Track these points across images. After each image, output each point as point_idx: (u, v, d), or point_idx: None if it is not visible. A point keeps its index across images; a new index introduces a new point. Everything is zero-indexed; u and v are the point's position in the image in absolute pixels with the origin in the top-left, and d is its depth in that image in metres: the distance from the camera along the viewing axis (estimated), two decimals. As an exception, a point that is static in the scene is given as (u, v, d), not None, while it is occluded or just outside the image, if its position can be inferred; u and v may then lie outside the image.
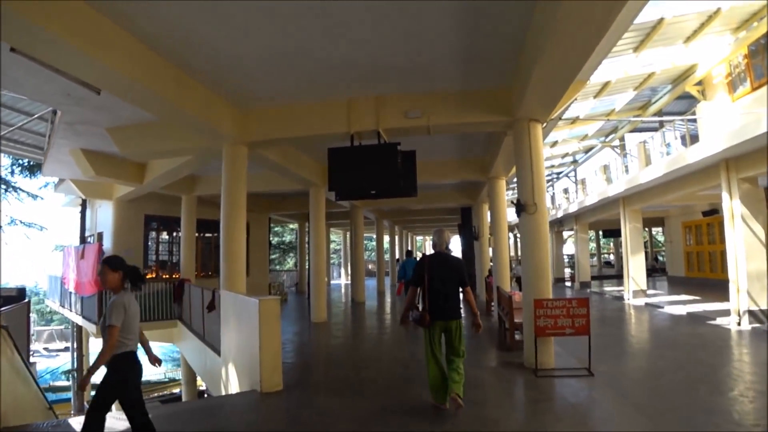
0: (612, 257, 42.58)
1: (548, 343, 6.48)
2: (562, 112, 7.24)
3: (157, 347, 19.88)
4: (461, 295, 4.89)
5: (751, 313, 9.84)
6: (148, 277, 14.90)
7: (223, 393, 7.29)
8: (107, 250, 14.07)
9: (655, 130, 15.25)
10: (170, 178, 10.98)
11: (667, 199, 14.02)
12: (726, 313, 11.22)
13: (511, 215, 12.54)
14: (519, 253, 34.00)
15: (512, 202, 7.00)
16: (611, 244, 46.13)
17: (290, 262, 39.70)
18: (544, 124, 7.01)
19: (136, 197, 13.58)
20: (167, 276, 15.12)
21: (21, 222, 20.81)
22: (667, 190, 13.23)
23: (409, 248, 18.33)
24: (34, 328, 29.15)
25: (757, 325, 9.73)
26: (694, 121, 11.63)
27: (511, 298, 8.10)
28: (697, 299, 14.88)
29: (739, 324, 9.92)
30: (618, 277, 28.75)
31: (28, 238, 23.73)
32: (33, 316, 29.44)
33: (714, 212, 18.41)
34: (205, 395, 14.36)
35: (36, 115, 8.65)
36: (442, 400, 4.80)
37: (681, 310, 12.86)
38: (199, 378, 13.11)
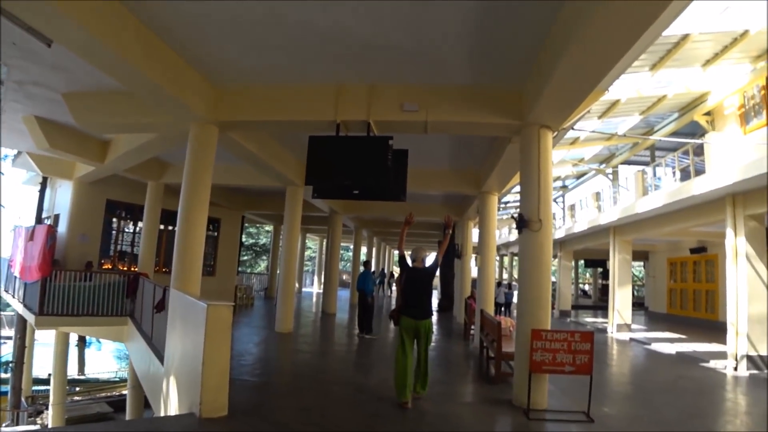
0: (587, 287, 42.34)
1: (543, 381, 5.63)
2: (574, 122, 6.49)
3: (111, 345, 18.52)
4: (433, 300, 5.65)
5: (749, 358, 9.18)
6: (104, 267, 13.75)
7: (162, 409, 6.25)
8: (61, 234, 12.90)
9: (646, 164, 14.81)
10: (134, 159, 9.93)
11: (663, 232, 13.46)
12: (719, 355, 10.62)
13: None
14: (503, 275, 33.70)
15: (513, 218, 6.18)
16: (587, 274, 46.07)
17: (262, 266, 38.41)
18: (555, 133, 6.25)
19: (98, 179, 12.46)
20: (125, 268, 13.91)
21: (-24, 197, 19.31)
22: (664, 223, 12.65)
23: (369, 260, 17.36)
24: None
25: (755, 371, 9.07)
26: (698, 154, 11.08)
27: (499, 324, 7.24)
28: (683, 338, 14.31)
29: (735, 369, 9.25)
30: (595, 308, 28.36)
31: (-18, 215, 22.05)
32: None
33: (702, 250, 18.04)
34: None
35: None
36: (405, 397, 5.36)
37: (669, 348, 12.21)
38: (145, 384, 11.94)
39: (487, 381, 7.05)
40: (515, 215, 5.98)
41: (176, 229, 6.76)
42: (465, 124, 6.26)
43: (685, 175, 11.52)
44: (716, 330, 16.11)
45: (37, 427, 13.57)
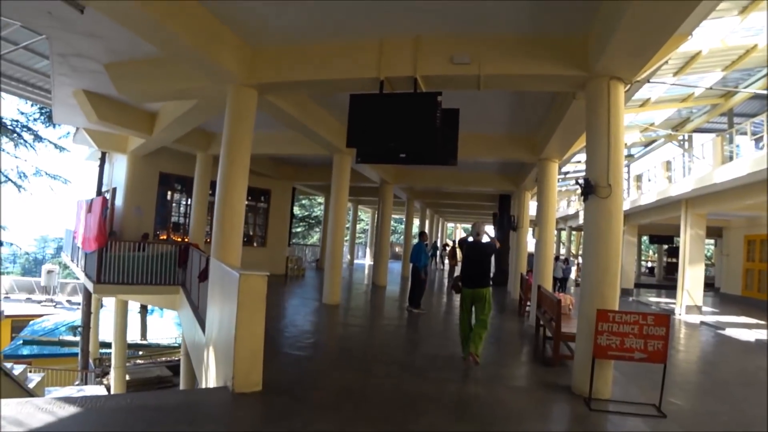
0: (649, 264, 40.06)
1: (607, 368, 5.01)
2: (650, 73, 5.63)
3: (172, 312, 19.14)
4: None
5: None
6: (161, 238, 14.10)
7: (203, 379, 6.16)
8: (118, 207, 13.28)
9: (723, 131, 13.26)
10: (180, 129, 9.87)
11: (744, 205, 12.07)
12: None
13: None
14: (560, 250, 32.36)
15: (577, 182, 5.50)
16: (650, 251, 43.51)
17: (315, 237, 38.87)
18: (628, 87, 5.44)
19: (150, 152, 12.66)
20: (180, 239, 14.20)
21: (46, 173, 20.41)
22: (747, 195, 11.29)
23: (424, 230, 16.69)
24: (58, 280, 29.35)
25: None
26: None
27: (559, 302, 6.61)
28: (761, 323, 12.97)
29: (830, 363, 8.14)
30: (659, 287, 26.65)
31: (51, 190, 23.49)
32: (57, 267, 29.62)
33: (788, 226, 16.27)
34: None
35: (22, 44, 7.60)
36: (466, 354, 6.06)
37: (746, 335, 11.04)
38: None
39: (544, 363, 6.49)
40: (580, 180, 5.29)
41: (216, 197, 6.54)
42: (523, 78, 5.56)
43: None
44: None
45: (102, 387, 14.28)
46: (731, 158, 11.67)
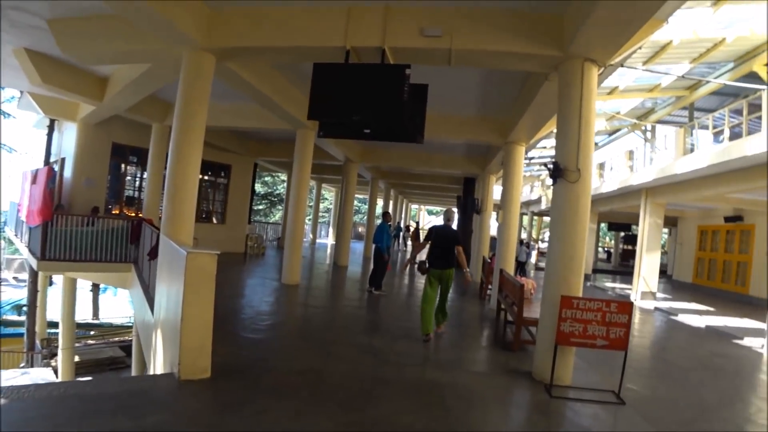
0: (606, 250, 41.37)
1: (569, 354, 4.97)
2: (625, 58, 5.52)
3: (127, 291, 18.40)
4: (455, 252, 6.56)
5: (793, 339, 8.38)
6: (113, 213, 13.38)
7: (151, 364, 5.82)
8: (67, 179, 12.49)
9: (682, 125, 13.54)
10: (133, 96, 9.22)
11: (702, 197, 12.39)
12: (754, 332, 9.85)
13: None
14: (521, 234, 32.93)
15: (545, 165, 5.37)
16: (607, 238, 44.93)
17: (277, 215, 38.22)
18: (602, 70, 5.31)
19: (103, 121, 11.90)
20: (134, 214, 13.51)
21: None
22: (706, 186, 11.57)
23: (387, 210, 16.44)
24: (4, 256, 27.81)
25: (798, 353, 8.28)
26: (752, 112, 9.86)
27: (522, 287, 6.55)
28: (711, 310, 13.48)
29: (774, 349, 8.47)
30: (614, 273, 27.54)
31: (-5, 159, 22.00)
32: (1, 242, 28.01)
33: (738, 219, 16.93)
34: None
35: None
36: (428, 331, 6.37)
37: (698, 321, 11.42)
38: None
39: (505, 348, 6.43)
40: (549, 164, 5.15)
41: (167, 169, 6.09)
42: (495, 55, 5.32)
43: (733, 136, 10.36)
44: (746, 304, 15.29)
45: (50, 369, 13.60)
46: (692, 150, 11.90)
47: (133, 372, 11.06)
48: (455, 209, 8.31)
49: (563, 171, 4.95)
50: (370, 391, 4.36)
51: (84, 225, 10.46)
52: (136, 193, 14.23)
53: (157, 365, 5.26)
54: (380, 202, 26.95)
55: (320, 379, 4.56)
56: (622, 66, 5.45)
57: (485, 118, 9.96)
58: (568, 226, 5.00)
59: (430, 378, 4.87)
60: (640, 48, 6.41)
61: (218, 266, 4.24)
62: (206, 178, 16.00)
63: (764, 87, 9.01)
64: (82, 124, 12.11)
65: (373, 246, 10.20)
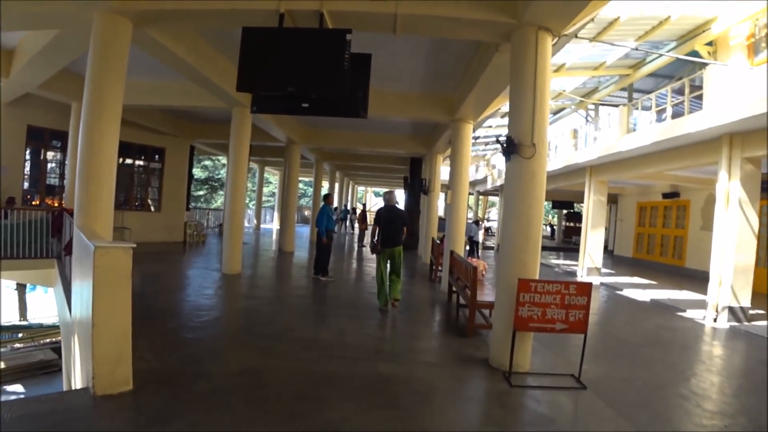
0: (548, 228, 42.68)
1: (528, 339, 4.75)
2: (579, 27, 5.26)
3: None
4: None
5: (730, 309, 8.66)
6: (33, 204, 12.13)
7: (72, 375, 5.13)
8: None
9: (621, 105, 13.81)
10: (43, 70, 8.15)
11: (646, 174, 12.65)
12: (695, 304, 10.18)
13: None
14: (470, 213, 33.30)
15: (497, 140, 5.06)
16: (550, 215, 46.41)
17: (219, 201, 36.72)
18: (556, 40, 5.03)
19: (15, 100, 10.61)
20: (56, 204, 12.30)
21: None
22: (649, 163, 11.80)
23: (330, 192, 15.89)
24: None
25: (735, 324, 8.57)
26: (693, 91, 10.03)
27: (474, 269, 6.29)
28: (653, 283, 13.97)
29: (715, 320, 8.73)
30: (558, 249, 28.35)
31: None
32: None
33: (675, 195, 17.60)
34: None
35: None
36: (384, 303, 7.23)
37: (642, 295, 11.74)
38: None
39: (459, 333, 6.19)
40: (501, 139, 4.85)
41: (78, 151, 5.32)
42: (445, 21, 4.90)
43: (675, 115, 10.53)
44: (684, 276, 16.02)
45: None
46: (635, 129, 12.09)
47: (64, 380, 10.15)
48: (396, 191, 8.69)
49: (518, 146, 4.65)
50: (315, 392, 3.94)
51: (-2, 218, 9.35)
52: (60, 181, 12.96)
53: (77, 377, 4.61)
54: (326, 185, 26.32)
55: (260, 382, 4.09)
56: (576, 37, 5.19)
57: (432, 95, 9.61)
58: (524, 204, 4.73)
59: (382, 373, 4.51)
60: (592, 20, 6.21)
61: (153, 257, 3.69)
62: (139, 163, 14.83)
63: (715, 62, 9.11)
64: (-10, 104, 10.79)
65: (316, 230, 9.75)
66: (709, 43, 9.87)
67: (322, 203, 10.00)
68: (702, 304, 9.75)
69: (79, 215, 5.16)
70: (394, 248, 7.26)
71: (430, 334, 6.35)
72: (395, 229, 7.24)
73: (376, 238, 7.40)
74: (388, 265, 7.34)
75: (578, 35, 6.05)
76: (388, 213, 7.30)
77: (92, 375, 3.53)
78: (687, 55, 9.74)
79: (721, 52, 9.64)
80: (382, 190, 51.92)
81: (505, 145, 4.75)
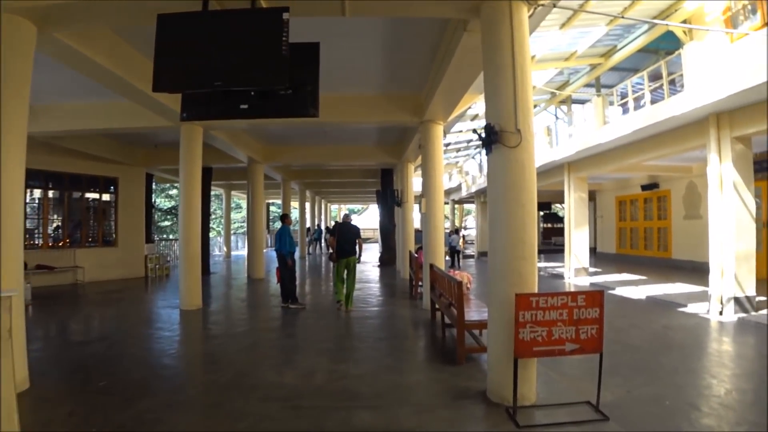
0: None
1: (531, 366, 3.95)
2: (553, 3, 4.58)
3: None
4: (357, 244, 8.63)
5: (736, 300, 8.05)
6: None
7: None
8: None
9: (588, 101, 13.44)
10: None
11: (623, 165, 12.12)
12: (694, 297, 9.60)
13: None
14: (447, 223, 32.70)
15: (475, 131, 4.32)
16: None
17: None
18: (531, 11, 4.33)
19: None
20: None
21: None
22: (630, 154, 11.26)
23: (287, 212, 14.89)
24: None
25: (743, 315, 7.96)
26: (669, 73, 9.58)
27: (459, 285, 5.49)
28: (642, 279, 13.41)
29: (721, 313, 8.11)
30: (538, 252, 27.76)
31: None
32: None
33: (654, 186, 17.27)
34: None
35: None
36: (341, 298, 8.63)
37: (636, 293, 11.12)
38: None
39: (447, 361, 5.35)
40: (480, 130, 4.09)
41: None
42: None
43: (654, 101, 10.07)
44: (672, 268, 15.56)
45: None
46: (608, 121, 11.60)
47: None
48: (371, 206, 8.88)
49: (500, 134, 3.90)
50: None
51: None
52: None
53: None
54: (296, 205, 25.26)
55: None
56: (555, 6, 4.50)
57: (396, 96, 8.90)
58: (515, 203, 3.96)
59: (362, 423, 3.64)
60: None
61: (105, 297, 2.81)
62: (91, 195, 13.67)
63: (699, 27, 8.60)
64: None
65: (275, 254, 8.90)
66: (686, 21, 9.39)
67: (280, 224, 9.14)
68: (700, 296, 9.15)
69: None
70: (349, 258, 8.52)
71: (416, 365, 5.48)
72: (349, 241, 8.49)
73: (332, 250, 8.51)
74: (345, 272, 8.55)
75: (557, 4, 5.36)
76: (342, 227, 8.62)
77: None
78: (662, 38, 9.29)
79: (697, 30, 9.14)
80: (357, 206, 51.15)
81: (484, 135, 4.00)
